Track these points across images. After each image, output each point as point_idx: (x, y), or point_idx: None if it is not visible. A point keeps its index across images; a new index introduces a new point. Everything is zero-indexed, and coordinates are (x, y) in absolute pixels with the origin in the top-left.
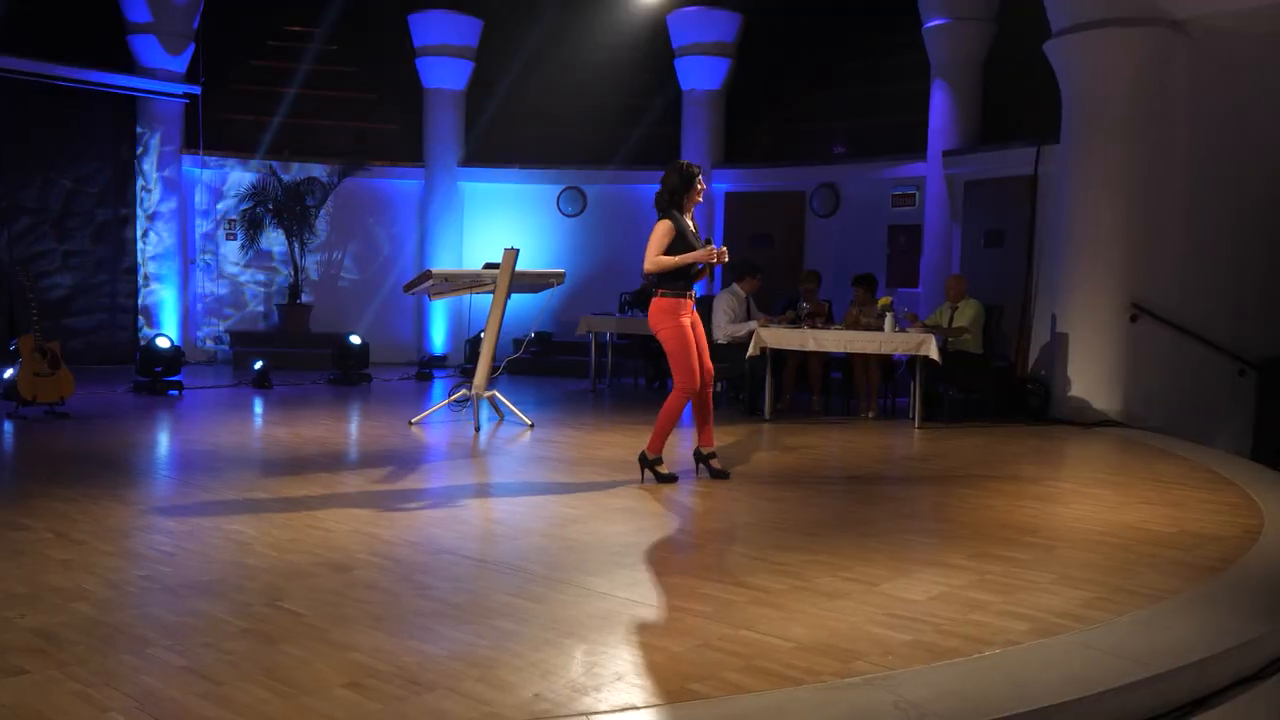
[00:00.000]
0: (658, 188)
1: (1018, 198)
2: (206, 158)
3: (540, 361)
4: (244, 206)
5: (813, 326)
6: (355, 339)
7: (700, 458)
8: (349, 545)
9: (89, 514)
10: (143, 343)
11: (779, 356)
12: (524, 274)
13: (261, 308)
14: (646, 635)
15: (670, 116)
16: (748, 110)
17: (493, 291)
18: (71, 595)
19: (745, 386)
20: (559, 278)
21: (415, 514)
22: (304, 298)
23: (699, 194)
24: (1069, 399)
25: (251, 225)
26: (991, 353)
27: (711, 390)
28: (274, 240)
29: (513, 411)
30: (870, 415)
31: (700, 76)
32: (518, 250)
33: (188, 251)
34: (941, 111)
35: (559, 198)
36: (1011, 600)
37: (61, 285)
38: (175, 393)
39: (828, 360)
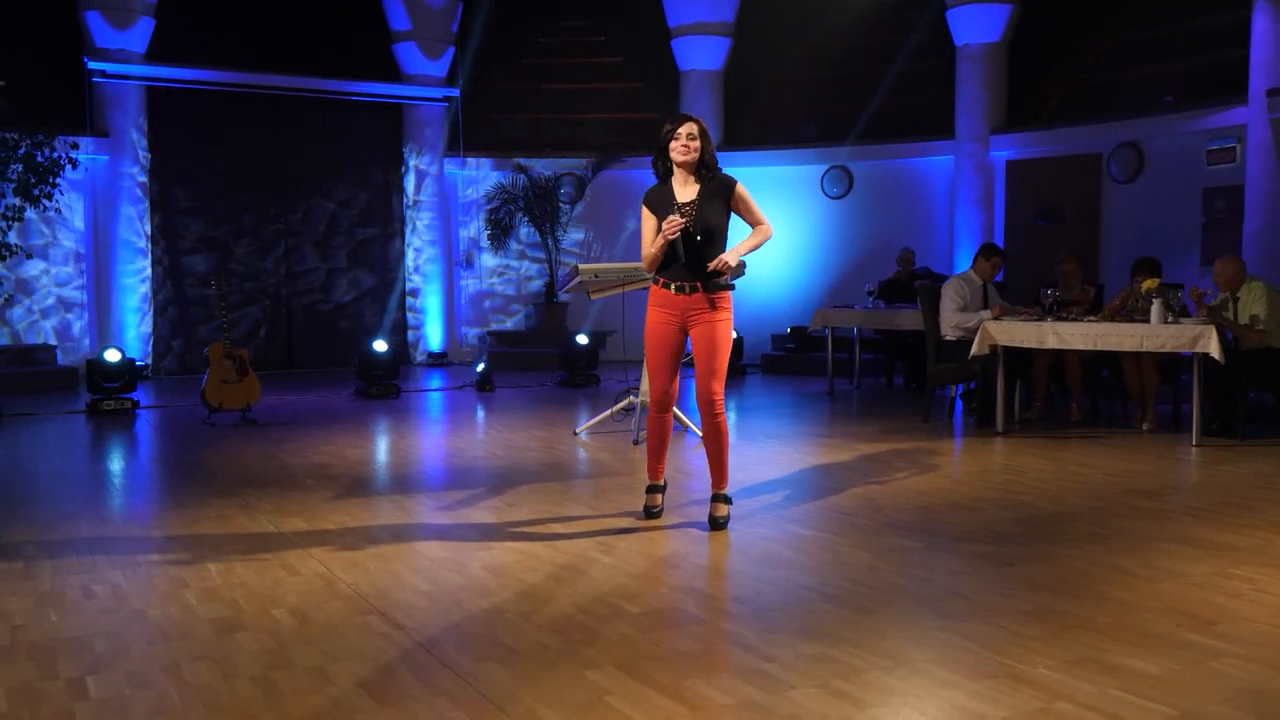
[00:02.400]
0: (932, 160)
1: None
2: (467, 159)
3: (798, 359)
4: (491, 206)
5: (1063, 318)
6: (582, 339)
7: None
8: (284, 595)
9: (104, 538)
10: (405, 347)
11: (1024, 354)
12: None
13: (520, 307)
14: None
15: (945, 79)
16: (1033, 64)
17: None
18: None
19: (977, 393)
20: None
21: (426, 552)
22: (561, 296)
23: (683, 144)
24: None
25: (498, 225)
26: None
27: (720, 416)
28: (530, 238)
29: (686, 422)
30: (1146, 427)
31: (976, 28)
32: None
33: (451, 253)
34: (1266, 41)
35: (823, 178)
36: None
37: (332, 289)
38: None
39: (1092, 357)
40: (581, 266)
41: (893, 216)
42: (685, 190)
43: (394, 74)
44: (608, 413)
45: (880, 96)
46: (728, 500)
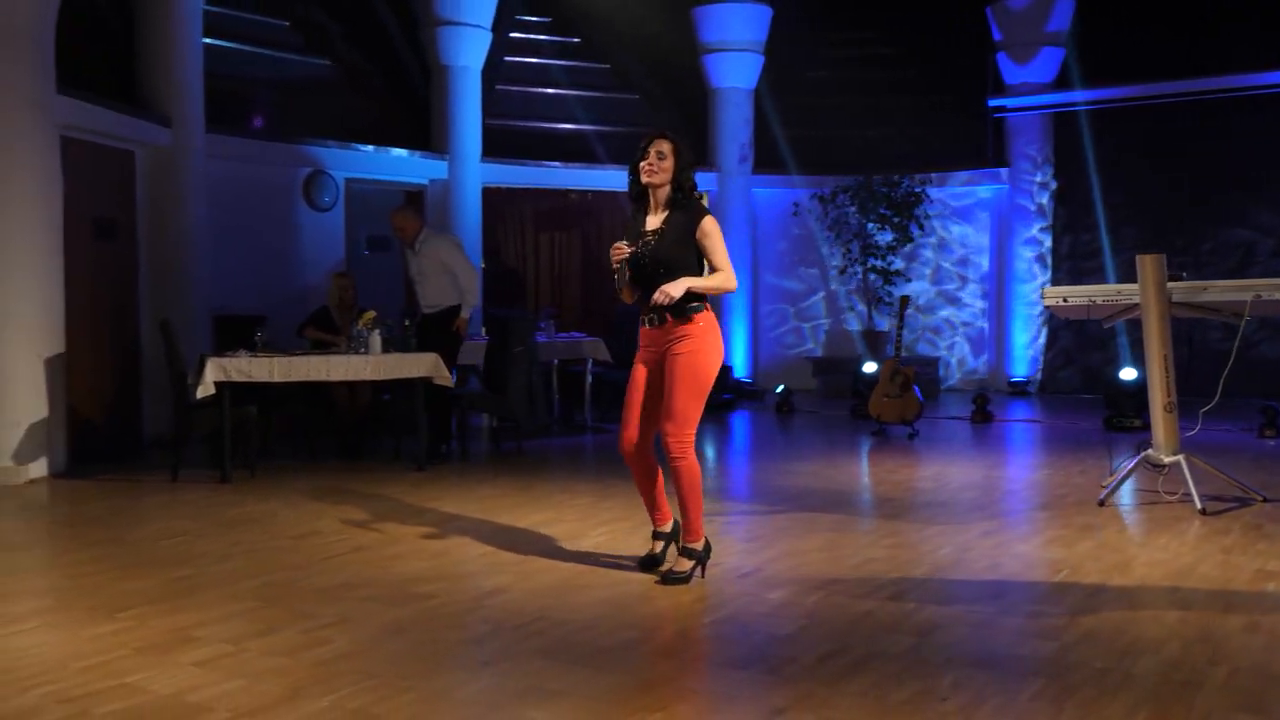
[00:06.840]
0: None
1: None
2: None
3: None
4: None
5: None
6: None
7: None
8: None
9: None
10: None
11: None
12: (1199, 287)
13: None
14: None
15: None
16: None
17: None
18: None
19: None
20: None
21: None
22: None
23: (650, 164)
24: None
25: None
26: None
27: (677, 459)
28: None
29: (1207, 483)
30: None
31: None
32: (1161, 256)
33: None
34: None
35: None
36: None
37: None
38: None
39: None
40: (1047, 290)
41: None
42: (653, 217)
43: None
44: (1123, 472)
45: None
46: (690, 555)
